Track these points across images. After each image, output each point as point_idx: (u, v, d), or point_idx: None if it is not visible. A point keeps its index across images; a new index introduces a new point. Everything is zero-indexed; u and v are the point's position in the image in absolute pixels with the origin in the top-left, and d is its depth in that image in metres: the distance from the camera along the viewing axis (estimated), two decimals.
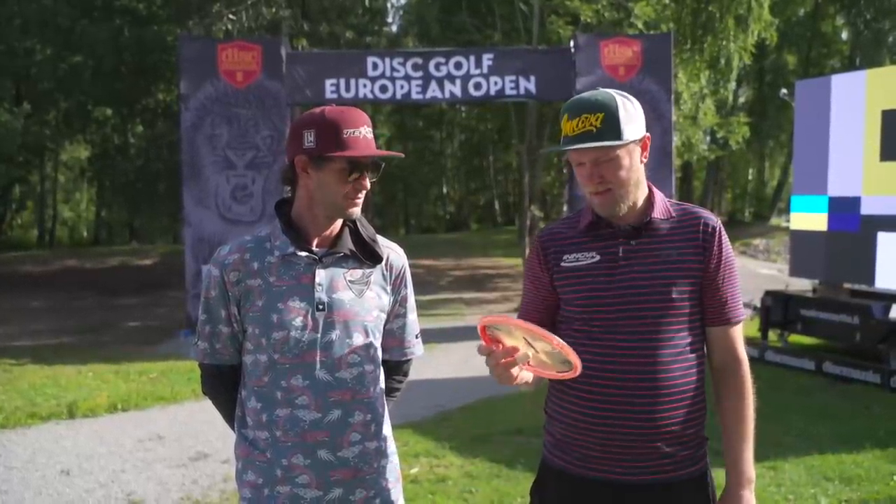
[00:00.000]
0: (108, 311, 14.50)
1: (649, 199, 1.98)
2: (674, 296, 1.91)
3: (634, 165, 1.93)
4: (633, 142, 1.91)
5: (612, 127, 1.86)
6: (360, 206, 2.02)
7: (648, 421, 1.88)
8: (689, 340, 1.93)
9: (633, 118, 1.90)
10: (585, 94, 1.93)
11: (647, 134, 1.95)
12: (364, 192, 2.00)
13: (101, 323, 13.21)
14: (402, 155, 2.09)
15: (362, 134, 1.96)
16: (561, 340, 1.70)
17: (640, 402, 1.88)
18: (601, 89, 1.95)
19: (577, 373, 1.74)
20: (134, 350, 10.43)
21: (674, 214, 1.98)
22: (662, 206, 1.98)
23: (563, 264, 1.98)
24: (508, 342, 1.76)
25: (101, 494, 4.93)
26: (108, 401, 7.17)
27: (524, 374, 1.82)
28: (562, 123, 1.92)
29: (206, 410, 6.49)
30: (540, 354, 1.76)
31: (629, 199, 1.94)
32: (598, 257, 1.95)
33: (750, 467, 1.97)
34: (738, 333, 2.01)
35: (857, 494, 4.75)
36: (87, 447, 5.91)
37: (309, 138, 1.94)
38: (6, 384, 8.01)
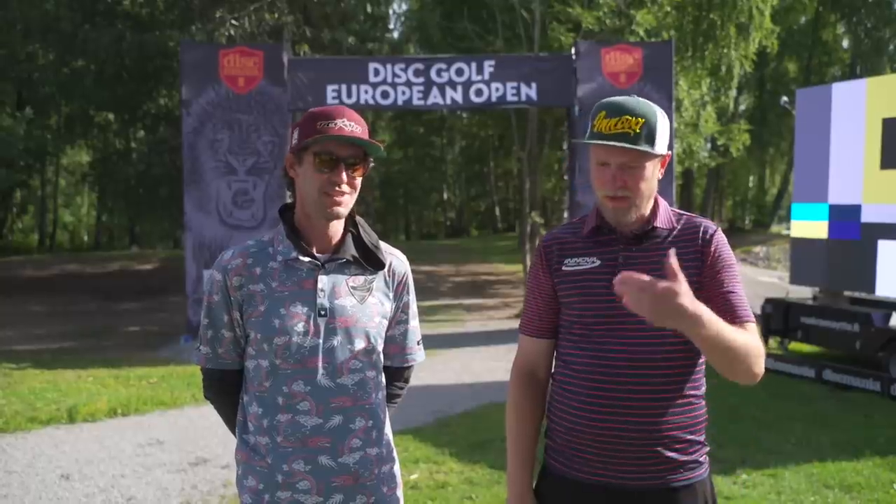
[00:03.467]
0: (109, 316, 14.49)
1: (653, 209, 1.99)
2: None
3: (654, 179, 1.96)
4: (660, 156, 1.94)
5: (649, 135, 1.89)
6: (342, 206, 1.95)
7: (647, 426, 1.88)
8: (688, 346, 1.89)
9: (664, 134, 1.94)
10: (626, 98, 1.93)
11: (670, 152, 1.99)
12: (339, 186, 1.92)
13: (102, 327, 13.21)
14: (381, 145, 1.98)
15: (338, 125, 1.91)
16: None
17: (638, 407, 1.88)
18: (639, 98, 1.95)
19: None
20: (134, 355, 10.42)
21: (676, 224, 1.99)
22: (666, 215, 2.00)
23: (564, 268, 2.00)
24: None
25: (100, 499, 4.93)
26: (109, 405, 7.17)
27: None
28: (595, 120, 1.91)
29: (206, 415, 6.50)
30: None
31: (640, 210, 1.96)
32: (598, 262, 1.96)
33: (709, 320, 1.67)
34: (752, 331, 1.87)
35: (857, 502, 4.75)
36: (87, 452, 5.91)
37: (294, 136, 1.98)
38: (6, 388, 8.01)
